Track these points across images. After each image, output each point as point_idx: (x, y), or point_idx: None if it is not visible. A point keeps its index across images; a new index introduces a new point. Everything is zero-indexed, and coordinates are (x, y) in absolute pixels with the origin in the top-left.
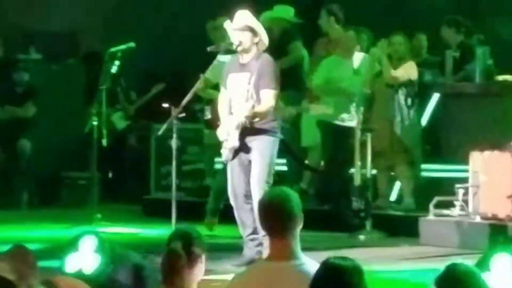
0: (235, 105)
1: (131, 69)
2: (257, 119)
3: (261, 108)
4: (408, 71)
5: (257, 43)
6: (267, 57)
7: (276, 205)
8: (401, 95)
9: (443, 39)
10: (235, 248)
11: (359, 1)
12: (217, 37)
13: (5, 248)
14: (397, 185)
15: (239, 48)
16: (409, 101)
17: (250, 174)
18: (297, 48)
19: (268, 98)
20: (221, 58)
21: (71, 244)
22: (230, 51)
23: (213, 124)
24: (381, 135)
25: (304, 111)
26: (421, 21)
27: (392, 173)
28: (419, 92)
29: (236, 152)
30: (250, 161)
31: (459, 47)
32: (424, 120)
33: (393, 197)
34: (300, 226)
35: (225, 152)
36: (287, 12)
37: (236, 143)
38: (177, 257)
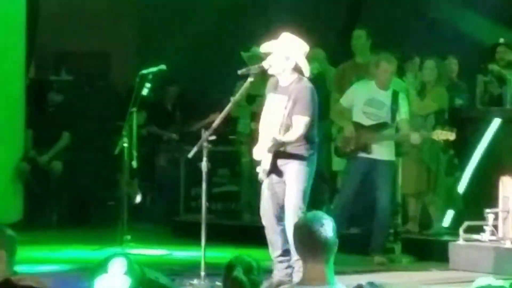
0: (270, 126)
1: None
2: (287, 145)
3: (290, 136)
4: (437, 99)
5: (295, 68)
6: (306, 83)
7: (310, 229)
8: (430, 123)
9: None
10: (265, 271)
11: (389, 24)
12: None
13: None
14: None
15: (270, 71)
16: (438, 128)
17: (284, 197)
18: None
19: (299, 125)
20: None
21: (100, 266)
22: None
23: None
24: (411, 161)
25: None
26: (451, 45)
27: (422, 198)
28: (450, 118)
29: (270, 174)
30: (284, 183)
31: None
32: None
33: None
34: (334, 251)
35: (260, 173)
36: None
37: (267, 166)
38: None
